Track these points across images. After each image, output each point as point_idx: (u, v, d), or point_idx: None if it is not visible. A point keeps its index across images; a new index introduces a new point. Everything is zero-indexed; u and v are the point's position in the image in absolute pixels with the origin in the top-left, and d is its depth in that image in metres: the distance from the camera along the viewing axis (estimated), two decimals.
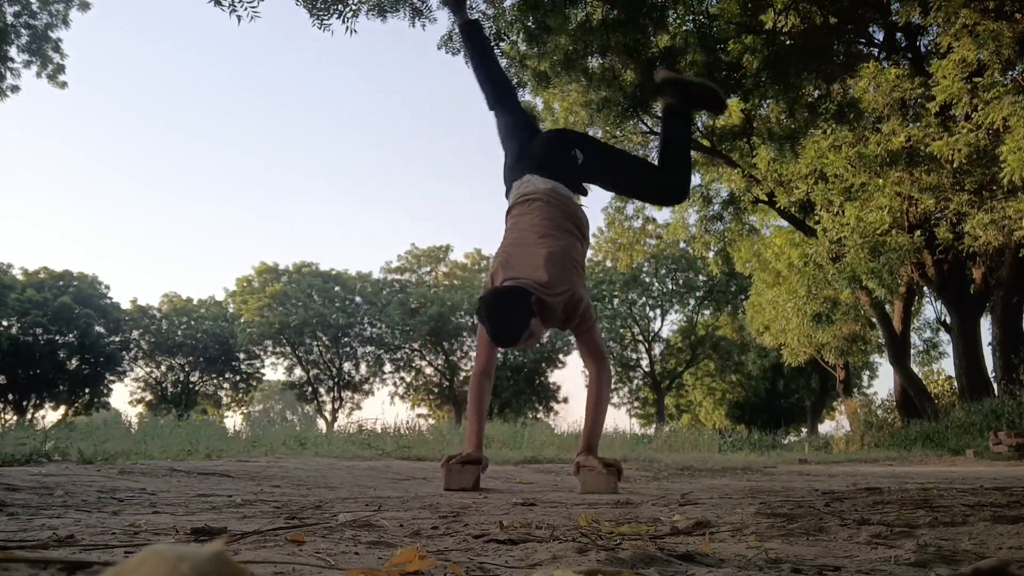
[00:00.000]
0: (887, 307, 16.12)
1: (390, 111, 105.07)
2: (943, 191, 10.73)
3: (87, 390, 32.71)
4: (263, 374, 38.13)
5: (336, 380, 35.86)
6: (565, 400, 35.73)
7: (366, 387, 36.31)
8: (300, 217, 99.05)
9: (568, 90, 12.87)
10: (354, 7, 6.14)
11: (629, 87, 7.68)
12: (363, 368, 36.29)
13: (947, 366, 29.89)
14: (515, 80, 8.75)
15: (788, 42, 7.88)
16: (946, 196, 10.77)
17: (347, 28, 6.16)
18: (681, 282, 33.57)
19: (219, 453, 4.58)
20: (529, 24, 7.25)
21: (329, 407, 35.74)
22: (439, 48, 7.89)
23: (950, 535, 0.97)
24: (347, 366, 36.13)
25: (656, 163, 3.21)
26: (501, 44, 7.76)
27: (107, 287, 34.61)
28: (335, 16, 6.07)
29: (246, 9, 5.16)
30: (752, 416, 30.58)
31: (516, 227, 2.90)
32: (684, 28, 8.22)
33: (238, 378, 37.58)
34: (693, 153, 16.87)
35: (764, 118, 11.59)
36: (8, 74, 12.88)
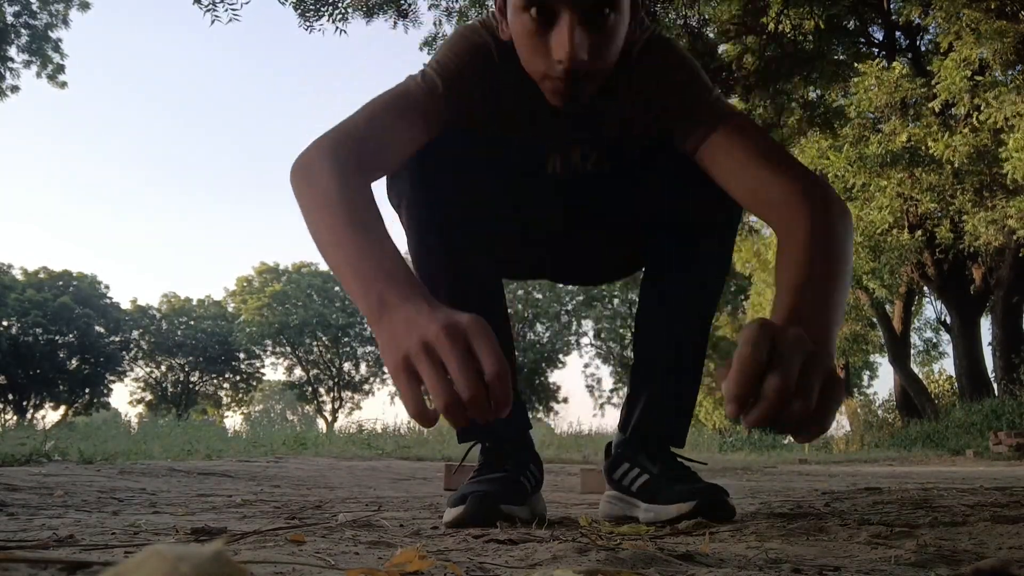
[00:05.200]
0: (887, 307, 16.13)
1: None
2: (944, 191, 10.74)
3: (87, 390, 32.74)
4: (263, 374, 38.16)
5: (336, 380, 35.88)
6: (565, 400, 35.78)
7: (366, 387, 36.35)
8: (299, 218, 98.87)
9: None
10: (343, 10, 6.16)
11: None
12: (363, 368, 36.32)
13: (947, 366, 29.91)
14: None
15: (778, 49, 7.90)
16: (947, 196, 10.78)
17: (337, 30, 6.17)
18: None
19: (219, 453, 4.59)
20: None
21: (329, 407, 35.76)
22: (421, 49, 7.99)
23: (950, 535, 0.97)
24: (347, 366, 36.16)
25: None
26: None
27: (107, 287, 34.66)
28: (325, 18, 6.08)
29: (227, 10, 5.17)
30: None
31: None
32: (675, 33, 8.23)
33: (238, 378, 37.60)
34: None
35: (759, 120, 11.61)
36: (8, 74, 12.90)
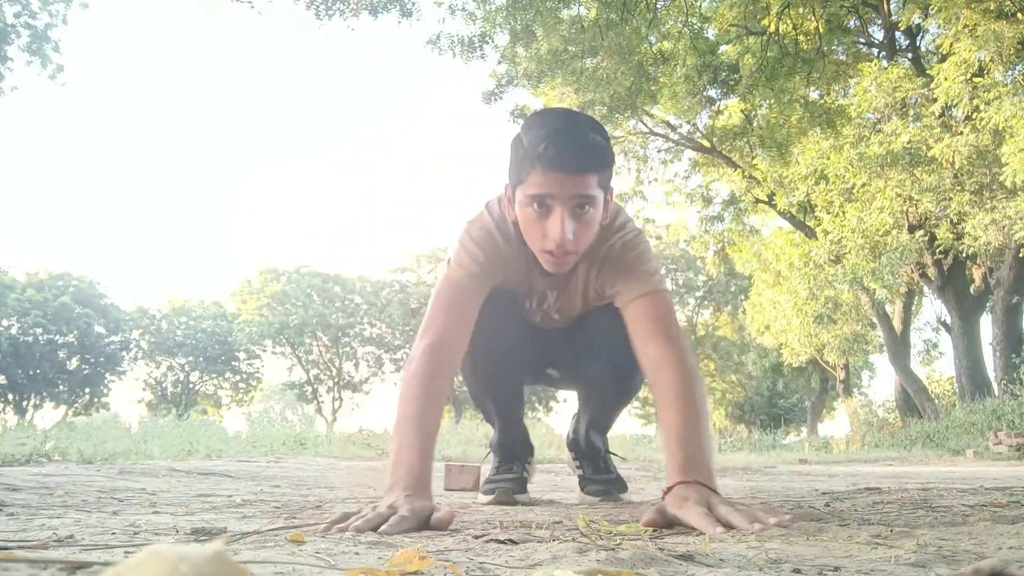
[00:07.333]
0: (887, 307, 16.12)
1: (392, 109, 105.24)
2: (944, 192, 10.74)
3: (87, 390, 32.72)
4: (263, 374, 38.15)
5: (336, 380, 35.86)
6: (565, 400, 35.78)
7: (366, 387, 36.32)
8: (300, 221, 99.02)
9: (567, 91, 12.90)
10: (355, 8, 6.24)
11: (621, 88, 7.72)
12: (363, 368, 36.28)
13: (947, 366, 29.91)
14: (505, 80, 8.79)
15: (779, 49, 7.92)
16: (947, 196, 10.78)
17: (346, 21, 6.25)
18: (681, 282, 33.55)
19: (219, 453, 4.59)
20: (515, 25, 7.35)
21: (329, 407, 35.74)
22: (424, 46, 8.05)
23: (950, 535, 0.97)
24: (347, 366, 36.12)
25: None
26: (484, 46, 7.86)
27: (106, 287, 34.64)
28: (337, 14, 6.17)
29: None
30: (752, 416, 30.57)
31: None
32: (677, 32, 8.25)
33: (238, 378, 37.59)
34: (695, 154, 16.86)
35: (762, 120, 11.59)
36: (8, 74, 12.89)
